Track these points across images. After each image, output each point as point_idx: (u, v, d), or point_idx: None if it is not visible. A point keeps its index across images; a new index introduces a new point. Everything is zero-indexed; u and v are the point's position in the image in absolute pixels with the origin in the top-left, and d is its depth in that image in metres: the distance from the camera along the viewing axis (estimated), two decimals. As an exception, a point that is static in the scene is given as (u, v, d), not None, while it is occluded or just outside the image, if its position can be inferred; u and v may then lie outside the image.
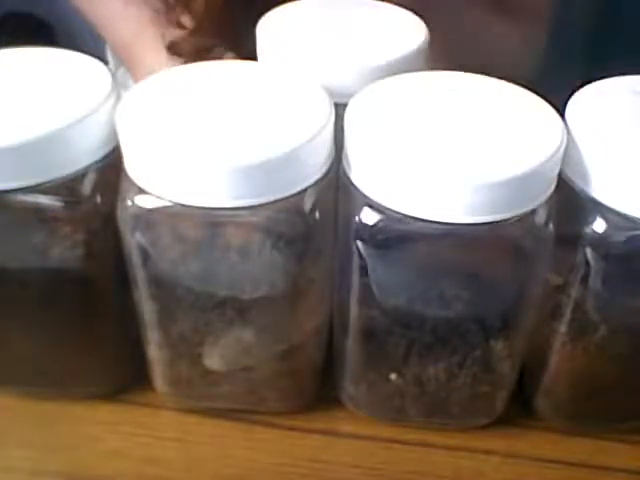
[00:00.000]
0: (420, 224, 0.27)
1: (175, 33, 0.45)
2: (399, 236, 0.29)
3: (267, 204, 0.28)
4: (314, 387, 0.36)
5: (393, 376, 0.34)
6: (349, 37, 0.34)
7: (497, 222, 0.27)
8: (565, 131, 0.28)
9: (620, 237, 0.29)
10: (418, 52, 0.34)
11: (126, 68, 0.51)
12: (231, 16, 0.44)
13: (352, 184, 0.29)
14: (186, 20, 0.46)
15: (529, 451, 0.36)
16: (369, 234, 0.29)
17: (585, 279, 0.30)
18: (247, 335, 0.33)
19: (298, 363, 0.35)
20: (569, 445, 0.36)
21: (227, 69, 0.32)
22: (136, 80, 0.48)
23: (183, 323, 0.33)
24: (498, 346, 0.32)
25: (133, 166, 0.28)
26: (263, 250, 0.29)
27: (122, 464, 0.35)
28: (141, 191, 0.28)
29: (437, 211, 0.27)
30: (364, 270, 0.30)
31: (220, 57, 0.42)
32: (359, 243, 0.29)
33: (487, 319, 0.32)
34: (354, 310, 0.32)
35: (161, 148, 0.27)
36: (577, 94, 0.31)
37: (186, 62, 0.43)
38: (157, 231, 0.30)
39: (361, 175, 0.28)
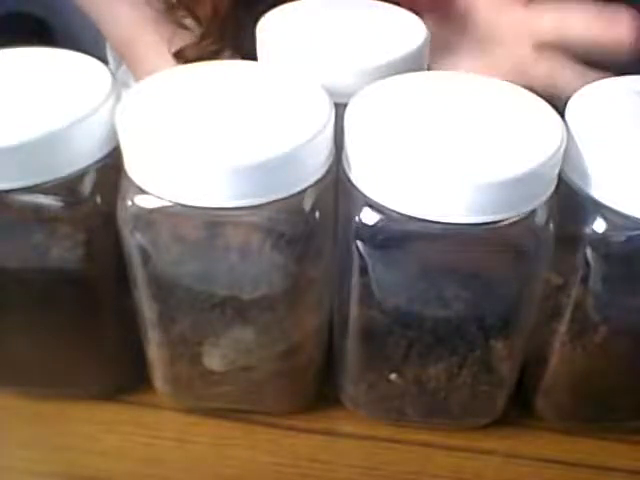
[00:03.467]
0: (420, 224, 0.27)
1: (180, 38, 0.45)
2: (399, 236, 0.29)
3: (267, 204, 0.28)
4: (314, 387, 0.36)
5: (393, 376, 0.34)
6: (349, 37, 0.34)
7: (497, 222, 0.27)
8: (565, 131, 0.28)
9: (620, 237, 0.29)
10: (418, 52, 0.34)
11: (127, 66, 0.51)
12: (234, 17, 0.44)
13: (352, 184, 0.29)
14: (190, 23, 0.46)
15: (529, 451, 0.36)
16: (369, 234, 0.29)
17: (585, 279, 0.30)
18: (247, 335, 0.33)
19: (298, 363, 0.35)
20: (569, 445, 0.36)
21: (227, 69, 0.32)
22: (137, 78, 0.48)
23: (183, 323, 0.33)
24: (498, 346, 0.32)
25: (133, 166, 0.28)
26: (263, 250, 0.29)
27: (122, 464, 0.35)
28: (141, 191, 0.28)
29: (437, 211, 0.27)
30: (364, 270, 0.30)
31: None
32: (359, 243, 0.29)
33: (487, 319, 0.32)
34: (354, 310, 0.32)
35: (161, 148, 0.27)
36: (577, 94, 0.31)
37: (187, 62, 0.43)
38: (157, 231, 0.30)
39: (361, 175, 0.28)
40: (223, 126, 0.28)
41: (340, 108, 0.29)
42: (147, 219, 0.29)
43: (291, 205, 0.28)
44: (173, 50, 0.44)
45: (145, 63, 0.47)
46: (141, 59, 0.48)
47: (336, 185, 0.30)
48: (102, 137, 0.29)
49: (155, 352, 0.34)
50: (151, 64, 0.46)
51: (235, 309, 0.32)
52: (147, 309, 0.32)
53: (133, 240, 0.30)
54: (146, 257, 0.30)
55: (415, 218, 0.27)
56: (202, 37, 0.45)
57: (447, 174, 0.26)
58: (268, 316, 0.32)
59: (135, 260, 0.30)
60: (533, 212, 0.28)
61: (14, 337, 0.34)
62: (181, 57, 0.44)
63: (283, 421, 0.36)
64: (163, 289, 0.31)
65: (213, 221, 0.29)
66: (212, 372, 0.34)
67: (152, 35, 0.47)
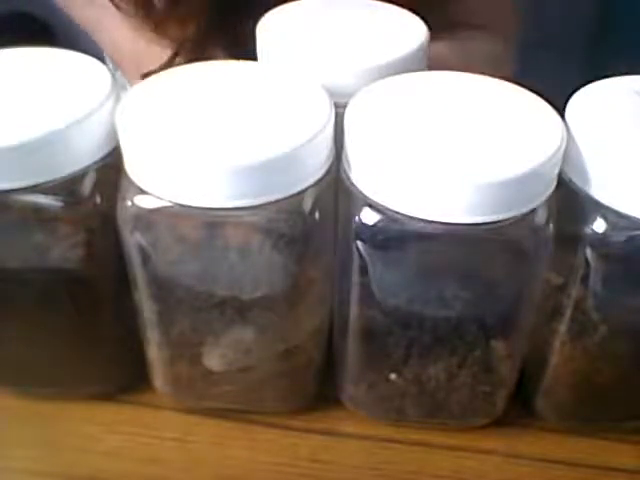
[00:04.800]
0: (420, 224, 0.27)
1: (151, 63, 0.45)
2: (399, 236, 0.29)
3: (267, 204, 0.28)
4: (314, 387, 0.36)
5: (393, 376, 0.34)
6: (349, 37, 0.34)
7: (497, 222, 0.27)
8: (565, 131, 0.28)
9: (620, 237, 0.29)
10: (418, 52, 0.34)
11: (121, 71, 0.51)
12: (225, 20, 0.44)
13: (352, 184, 0.29)
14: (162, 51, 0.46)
15: (529, 451, 0.36)
16: (369, 234, 0.29)
17: (585, 279, 0.30)
18: (247, 335, 0.33)
19: (298, 363, 0.35)
20: (569, 445, 0.36)
21: (227, 69, 0.32)
22: (132, 83, 0.48)
23: (183, 323, 0.33)
24: (498, 346, 0.32)
25: (133, 166, 0.28)
26: (263, 250, 0.29)
27: (122, 464, 0.35)
28: (141, 191, 0.28)
29: (437, 211, 0.27)
30: (364, 270, 0.30)
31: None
32: (359, 243, 0.29)
33: (487, 319, 0.32)
34: (354, 310, 0.32)
35: (161, 148, 0.27)
36: (577, 94, 0.31)
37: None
38: (157, 231, 0.30)
39: (361, 175, 0.28)
40: (223, 126, 0.28)
41: (340, 108, 0.29)
42: (147, 219, 0.29)
43: (291, 205, 0.28)
44: (144, 70, 0.45)
45: (134, 76, 0.47)
46: (130, 72, 0.48)
47: (336, 185, 0.30)
48: (102, 137, 0.29)
49: (155, 352, 0.34)
50: (140, 72, 0.46)
51: (235, 309, 0.32)
52: (147, 309, 0.32)
53: (133, 240, 0.30)
54: (146, 257, 0.30)
55: (415, 218, 0.27)
56: (169, 61, 0.45)
57: (447, 174, 0.26)
58: (268, 316, 0.32)
59: (135, 260, 0.30)
60: (533, 212, 0.28)
61: (14, 337, 0.34)
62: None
63: (283, 421, 0.36)
64: (163, 289, 0.31)
65: (213, 221, 0.29)
66: (212, 372, 0.34)
67: (135, 56, 0.47)
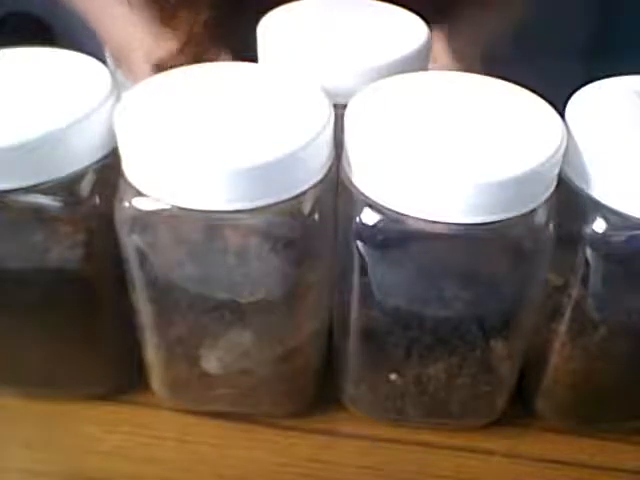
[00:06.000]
0: (420, 224, 0.27)
1: (162, 52, 0.45)
2: (399, 236, 0.29)
3: (266, 207, 0.28)
4: (312, 390, 0.36)
5: (393, 376, 0.34)
6: (350, 37, 0.34)
7: (497, 222, 0.27)
8: (565, 131, 0.28)
9: (620, 237, 0.29)
10: (418, 52, 0.34)
11: (123, 69, 0.51)
12: (226, 21, 0.45)
13: (352, 185, 0.29)
14: (173, 40, 0.46)
15: (529, 451, 0.36)
16: (369, 234, 0.29)
17: (585, 279, 0.30)
18: (245, 338, 0.33)
19: (296, 366, 0.35)
20: (569, 445, 0.36)
21: (226, 70, 0.32)
22: (134, 80, 0.48)
23: (181, 325, 0.33)
24: (498, 346, 0.32)
25: (131, 168, 0.28)
26: (262, 253, 0.29)
27: (122, 464, 0.35)
28: (139, 193, 0.28)
29: (437, 211, 0.27)
30: (364, 270, 0.30)
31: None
32: (359, 243, 0.29)
33: (487, 319, 0.32)
34: (354, 310, 0.32)
35: (159, 150, 0.27)
36: (577, 94, 0.31)
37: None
38: (154, 233, 0.29)
39: (361, 175, 0.28)
40: (222, 128, 0.28)
41: (340, 108, 0.29)
42: (144, 221, 0.29)
43: (290, 208, 0.28)
44: (152, 62, 0.45)
45: (139, 68, 0.47)
46: (135, 64, 0.48)
47: (336, 186, 0.30)
48: (101, 137, 0.29)
49: (153, 354, 0.34)
50: (144, 69, 0.46)
51: (233, 312, 0.31)
52: (144, 311, 0.32)
53: (130, 242, 0.30)
54: (143, 259, 0.30)
55: (415, 218, 0.27)
56: (180, 50, 0.45)
57: (447, 174, 0.26)
58: (266, 319, 0.32)
59: (132, 262, 0.30)
60: (533, 212, 0.28)
61: (14, 337, 0.34)
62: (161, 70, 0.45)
63: (283, 421, 0.36)
64: (161, 291, 0.31)
65: (211, 224, 0.29)
66: (210, 375, 0.34)
67: (140, 42, 0.47)
